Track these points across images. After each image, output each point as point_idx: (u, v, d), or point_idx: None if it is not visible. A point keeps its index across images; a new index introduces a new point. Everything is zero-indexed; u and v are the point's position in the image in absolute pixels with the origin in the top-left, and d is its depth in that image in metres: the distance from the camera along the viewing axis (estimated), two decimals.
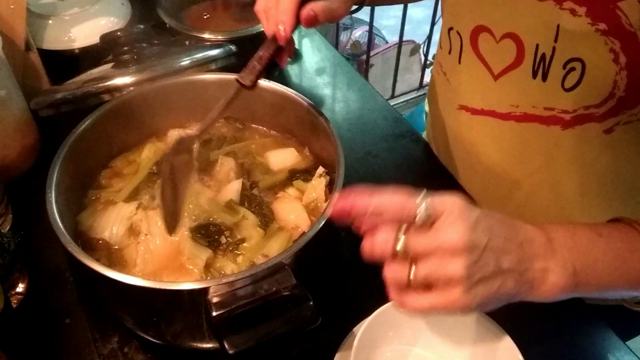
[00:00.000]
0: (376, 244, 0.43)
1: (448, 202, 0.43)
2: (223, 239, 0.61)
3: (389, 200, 0.43)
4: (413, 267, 0.43)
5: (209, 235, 0.60)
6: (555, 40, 0.55)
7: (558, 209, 0.68)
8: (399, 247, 0.42)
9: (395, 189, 0.43)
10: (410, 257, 0.43)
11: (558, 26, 0.54)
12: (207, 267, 0.59)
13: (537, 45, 0.57)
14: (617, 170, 0.62)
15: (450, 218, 0.42)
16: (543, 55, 0.57)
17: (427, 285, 0.43)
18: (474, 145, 0.72)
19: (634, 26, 0.49)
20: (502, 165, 0.69)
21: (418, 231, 0.42)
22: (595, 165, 0.62)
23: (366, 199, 0.43)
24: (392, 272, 0.43)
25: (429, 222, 0.42)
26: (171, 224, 0.59)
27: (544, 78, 0.58)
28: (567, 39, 0.54)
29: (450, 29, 0.68)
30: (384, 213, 0.43)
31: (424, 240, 0.42)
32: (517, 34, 0.58)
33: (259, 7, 0.59)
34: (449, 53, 0.70)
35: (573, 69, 0.55)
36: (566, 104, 0.58)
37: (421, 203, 0.42)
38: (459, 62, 0.68)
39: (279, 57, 0.60)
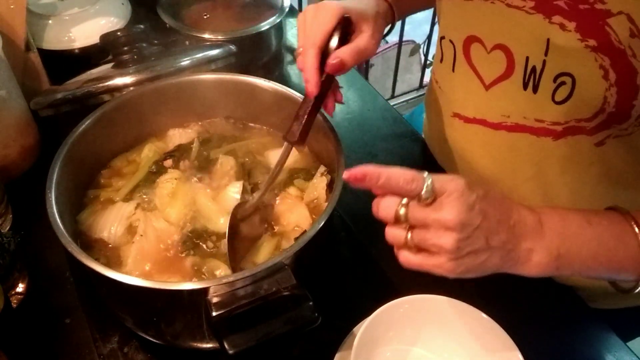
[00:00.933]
0: (381, 207, 0.49)
1: (451, 184, 0.47)
2: (210, 244, 0.61)
3: (399, 174, 0.47)
4: (410, 233, 0.48)
5: (195, 243, 0.61)
6: (546, 54, 0.55)
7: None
8: (401, 212, 0.47)
9: (404, 168, 0.48)
10: (409, 224, 0.48)
11: (548, 40, 0.54)
12: (198, 269, 0.59)
13: (528, 58, 0.57)
14: (608, 181, 0.62)
15: (450, 198, 0.46)
16: (534, 68, 0.57)
17: (420, 248, 0.48)
18: (466, 152, 0.72)
19: (623, 43, 0.49)
20: (493, 173, 0.69)
21: (419, 204, 0.47)
22: (587, 176, 0.62)
23: (379, 170, 0.47)
24: (392, 233, 0.49)
25: (430, 200, 0.46)
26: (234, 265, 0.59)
27: (535, 90, 0.58)
28: (557, 53, 0.54)
29: (442, 37, 0.68)
30: (394, 185, 0.47)
31: (423, 213, 0.47)
32: (507, 46, 0.58)
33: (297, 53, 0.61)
34: (441, 62, 0.70)
35: (563, 83, 0.55)
36: (557, 116, 0.58)
37: (427, 180, 0.46)
38: (453, 70, 0.68)
39: (324, 105, 0.62)
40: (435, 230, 0.46)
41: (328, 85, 0.60)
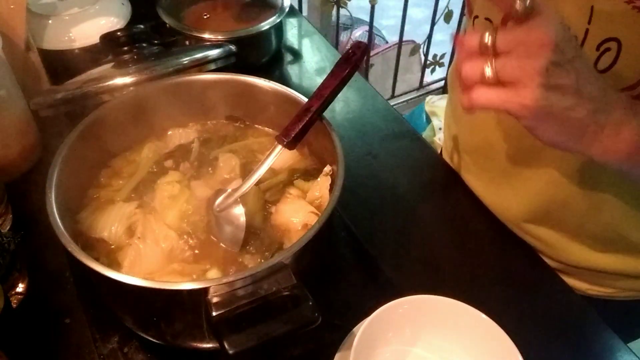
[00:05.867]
0: (467, 37, 0.46)
1: (549, 10, 0.44)
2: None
3: None
4: (491, 62, 0.44)
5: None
6: (589, 22, 0.54)
7: (583, 198, 0.67)
8: (486, 37, 0.44)
9: None
10: (494, 52, 0.44)
11: (592, 7, 0.53)
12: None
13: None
14: None
15: (548, 18, 0.43)
16: None
17: (499, 82, 0.44)
18: (495, 131, 0.71)
19: None
20: (523, 153, 0.69)
21: (507, 29, 0.44)
22: None
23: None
24: (471, 65, 0.45)
25: (529, 11, 0.43)
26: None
27: None
28: (602, 19, 0.53)
29: (476, 17, 0.67)
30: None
31: (514, 31, 0.43)
32: None
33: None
34: None
35: (608, 49, 0.54)
36: None
37: None
38: None
39: None
40: (524, 49, 0.43)
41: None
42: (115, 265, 0.59)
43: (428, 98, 1.97)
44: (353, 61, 0.62)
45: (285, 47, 1.07)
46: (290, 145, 0.60)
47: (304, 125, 0.60)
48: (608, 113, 0.47)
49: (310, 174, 0.68)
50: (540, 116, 0.44)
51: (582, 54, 0.46)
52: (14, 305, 0.61)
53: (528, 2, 0.43)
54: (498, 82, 0.44)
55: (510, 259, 0.72)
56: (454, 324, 0.57)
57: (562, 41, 0.43)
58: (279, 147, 0.60)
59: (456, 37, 0.46)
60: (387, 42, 2.32)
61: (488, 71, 0.44)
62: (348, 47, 0.64)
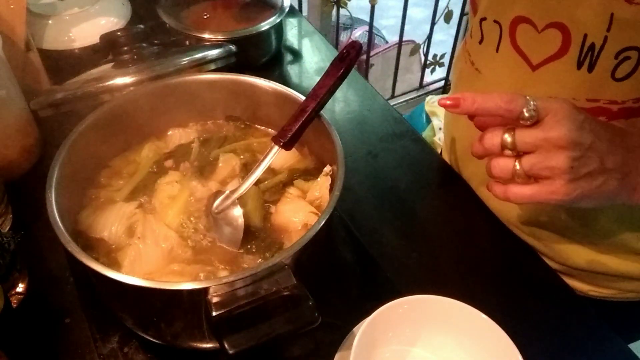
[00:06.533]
0: (486, 138, 0.48)
1: (555, 104, 0.46)
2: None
3: (497, 94, 0.46)
4: (518, 161, 0.47)
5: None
6: (608, 30, 0.53)
7: (587, 211, 0.66)
8: (508, 139, 0.46)
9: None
10: (516, 152, 0.47)
11: (612, 15, 0.52)
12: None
13: (585, 35, 0.55)
14: None
15: (557, 117, 0.45)
16: (592, 45, 0.55)
17: (529, 179, 0.47)
18: None
19: None
20: None
21: (525, 127, 0.46)
22: None
23: (474, 94, 0.47)
24: (498, 165, 0.48)
25: (533, 121, 0.46)
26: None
27: (590, 69, 0.57)
28: (622, 27, 0.53)
29: (484, 19, 0.67)
30: (492, 106, 0.46)
31: (532, 134, 0.46)
32: (564, 24, 0.57)
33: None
34: (480, 43, 0.69)
35: (627, 58, 0.54)
36: (615, 94, 0.57)
37: (529, 100, 0.46)
38: (497, 51, 0.66)
39: None
40: (546, 151, 0.45)
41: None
42: (115, 265, 0.59)
43: (428, 98, 1.97)
44: (348, 61, 0.62)
45: (285, 47, 1.07)
46: (287, 146, 0.60)
47: (300, 125, 0.60)
48: (636, 173, 0.48)
49: (310, 174, 0.68)
50: (576, 200, 0.47)
51: (599, 128, 0.47)
52: (14, 305, 0.61)
53: (531, 111, 0.45)
54: (529, 177, 0.47)
55: (510, 259, 0.72)
56: (454, 324, 0.57)
57: (577, 133, 0.45)
58: (276, 147, 0.60)
59: (445, 103, 0.48)
60: (387, 42, 2.32)
61: (518, 172, 0.47)
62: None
